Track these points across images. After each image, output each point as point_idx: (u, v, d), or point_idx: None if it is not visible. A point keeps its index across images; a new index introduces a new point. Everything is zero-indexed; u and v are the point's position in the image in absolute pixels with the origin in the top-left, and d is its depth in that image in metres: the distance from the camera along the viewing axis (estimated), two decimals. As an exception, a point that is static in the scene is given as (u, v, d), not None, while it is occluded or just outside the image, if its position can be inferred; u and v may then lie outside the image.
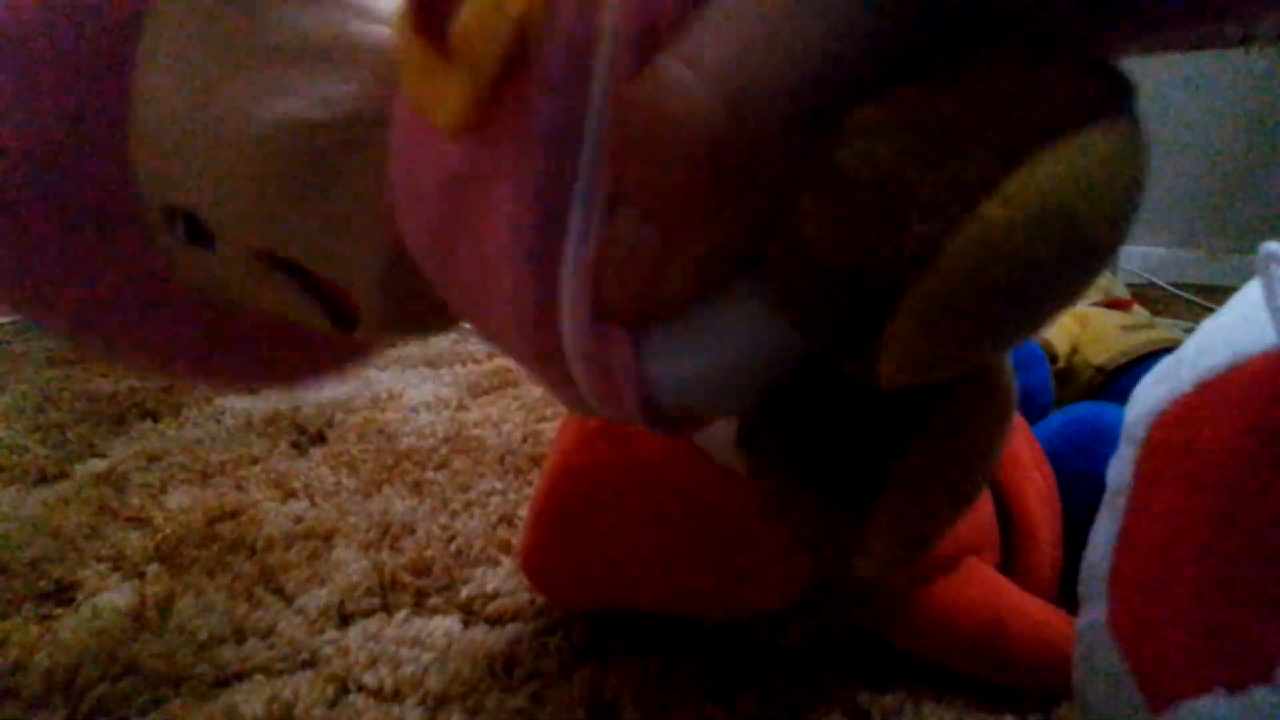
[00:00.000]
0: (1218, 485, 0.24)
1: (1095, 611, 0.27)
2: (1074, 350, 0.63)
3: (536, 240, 0.15)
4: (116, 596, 0.46)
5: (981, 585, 0.38)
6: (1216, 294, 1.28)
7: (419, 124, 0.17)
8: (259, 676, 0.40)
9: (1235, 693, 0.22)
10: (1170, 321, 0.69)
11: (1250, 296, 0.26)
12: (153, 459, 0.65)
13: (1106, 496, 0.28)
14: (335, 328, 0.24)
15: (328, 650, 0.41)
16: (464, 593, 0.46)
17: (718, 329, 0.16)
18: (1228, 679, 0.22)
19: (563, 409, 0.76)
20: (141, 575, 0.48)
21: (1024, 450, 0.43)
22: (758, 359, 0.16)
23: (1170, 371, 0.27)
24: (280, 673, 0.40)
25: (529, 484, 0.60)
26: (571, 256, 0.15)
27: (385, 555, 0.50)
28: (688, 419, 0.18)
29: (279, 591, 0.47)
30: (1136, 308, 0.73)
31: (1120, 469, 0.28)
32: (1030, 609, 0.38)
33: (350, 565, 0.49)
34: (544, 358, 0.17)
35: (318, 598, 0.46)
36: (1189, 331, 0.65)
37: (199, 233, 0.22)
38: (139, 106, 0.22)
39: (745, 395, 0.18)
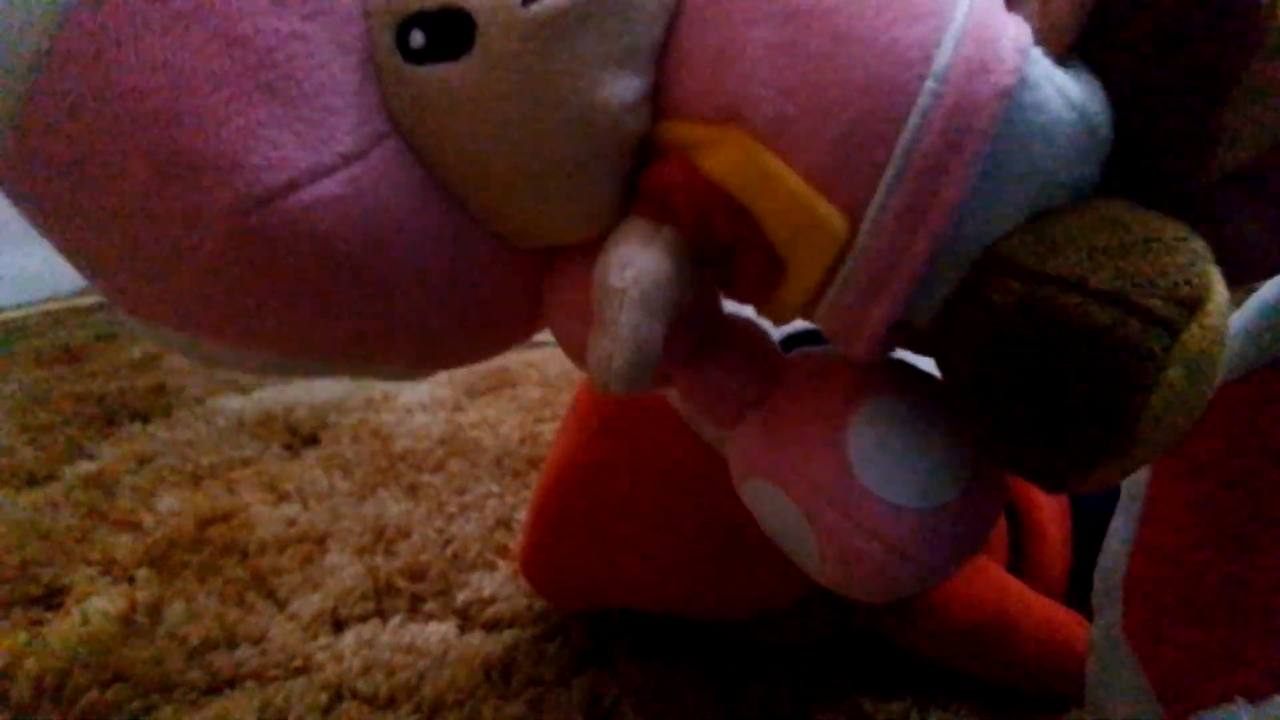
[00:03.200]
0: (1235, 491, 0.24)
1: (1110, 618, 0.26)
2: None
3: None
4: (106, 601, 0.45)
5: (988, 583, 0.37)
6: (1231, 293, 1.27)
7: None
8: (250, 683, 0.39)
9: (1256, 701, 0.22)
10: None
11: (1267, 299, 0.25)
12: (143, 461, 0.65)
13: (1121, 501, 0.28)
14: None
15: (321, 656, 0.40)
16: (460, 598, 0.45)
17: None
18: (1247, 687, 0.22)
19: (559, 410, 0.75)
20: (131, 580, 0.48)
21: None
22: None
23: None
24: (272, 679, 0.39)
25: (526, 487, 0.60)
26: None
27: (379, 559, 0.49)
28: None
29: (271, 596, 0.46)
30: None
31: (1136, 474, 0.27)
32: (1038, 608, 0.37)
33: (344, 570, 0.48)
34: None
35: (311, 603, 0.45)
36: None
37: (444, 43, 0.20)
38: None
39: None
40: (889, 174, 0.19)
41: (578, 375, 0.89)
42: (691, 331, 0.24)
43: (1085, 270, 0.18)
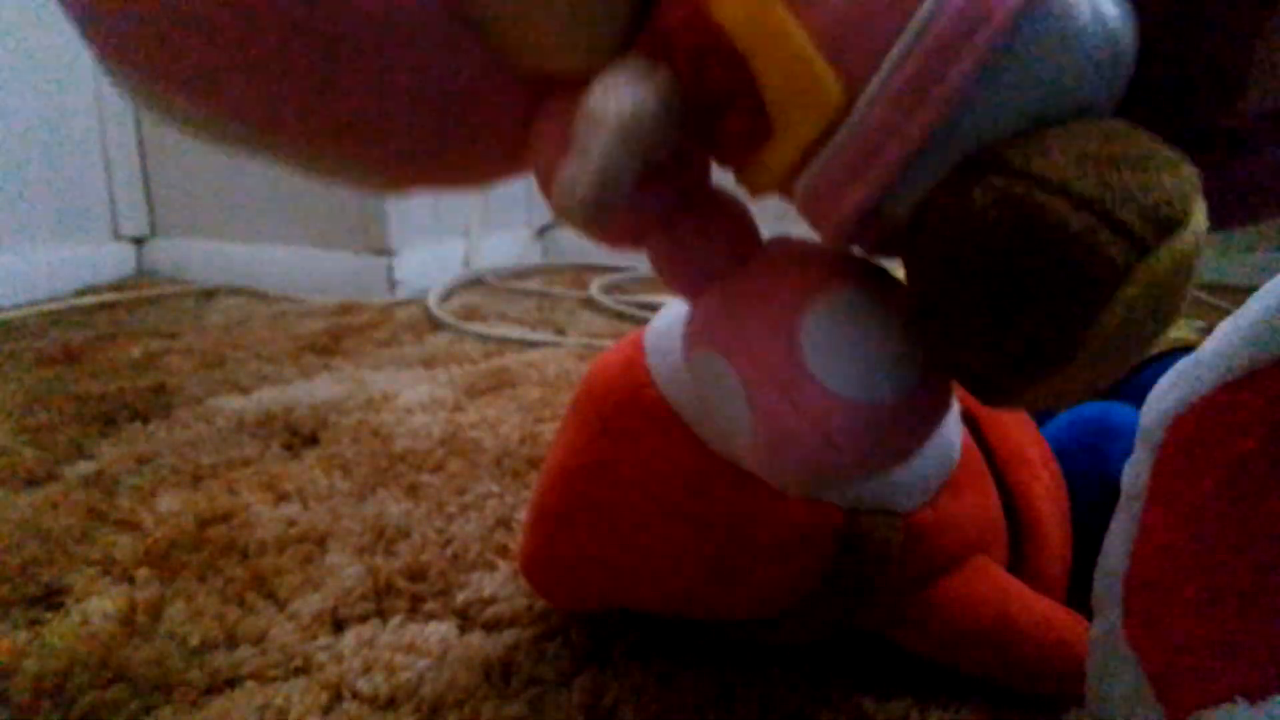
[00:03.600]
0: (1236, 491, 0.24)
1: (1111, 618, 0.26)
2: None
3: None
4: (106, 601, 0.45)
5: (989, 584, 0.37)
6: (1229, 293, 1.27)
7: None
8: (251, 683, 0.39)
9: (1256, 702, 0.21)
10: (1182, 320, 0.69)
11: (1271, 296, 0.25)
12: (143, 461, 0.65)
13: (1121, 501, 0.28)
14: None
15: (321, 657, 0.40)
16: (460, 598, 0.45)
17: None
18: (1248, 687, 0.22)
19: (559, 410, 0.75)
20: (131, 580, 0.48)
21: (1031, 449, 0.43)
22: None
23: (1188, 373, 0.26)
24: (273, 679, 0.39)
25: (526, 486, 0.60)
26: None
27: (379, 559, 0.49)
28: None
29: (271, 596, 0.46)
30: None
31: (1136, 473, 0.27)
32: (1039, 608, 0.37)
33: (344, 570, 0.48)
34: None
35: (311, 603, 0.45)
36: (1201, 330, 0.64)
37: None
38: None
39: None
40: (897, 49, 0.19)
41: (578, 375, 0.89)
42: (671, 187, 0.24)
43: (1070, 174, 0.18)
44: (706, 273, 0.26)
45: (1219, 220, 0.23)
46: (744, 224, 0.26)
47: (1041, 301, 0.18)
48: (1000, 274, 0.18)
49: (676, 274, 0.26)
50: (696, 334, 0.26)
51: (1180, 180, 0.18)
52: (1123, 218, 0.17)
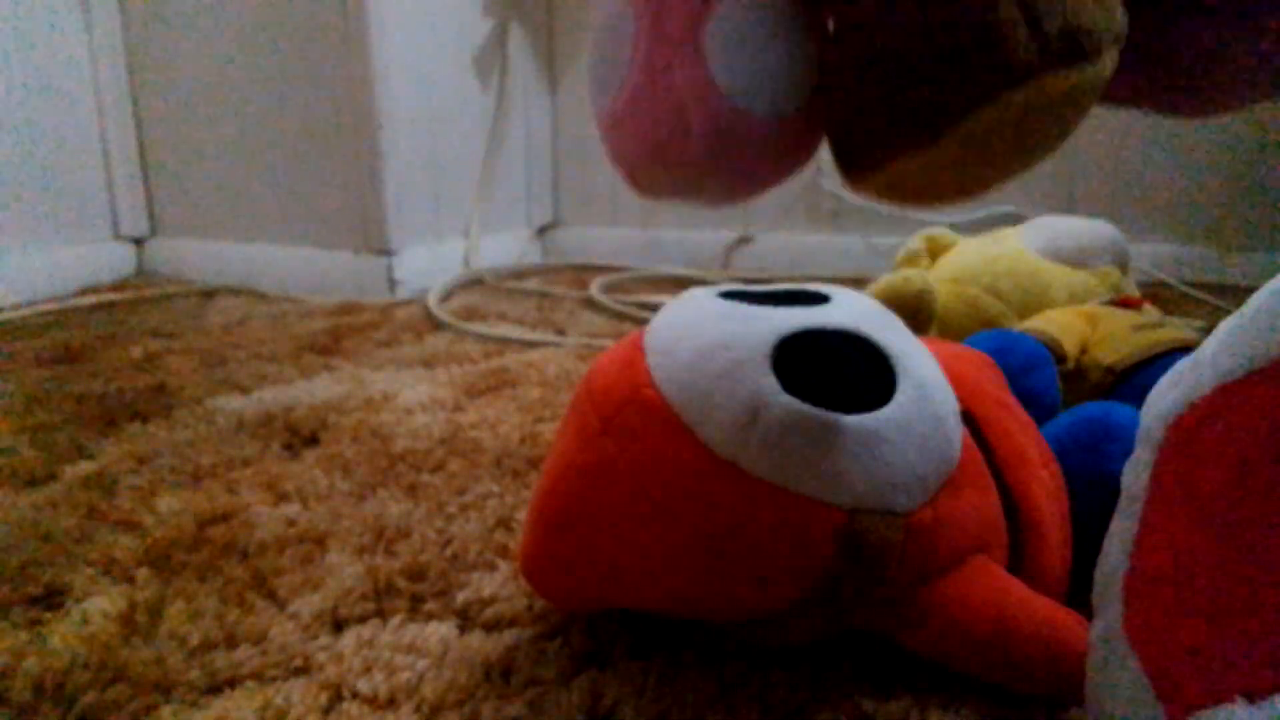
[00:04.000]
0: (1237, 490, 0.24)
1: (1110, 617, 0.26)
2: (1083, 351, 0.62)
3: None
4: (106, 601, 0.45)
5: (989, 583, 0.37)
6: (1228, 293, 1.27)
7: None
8: (251, 683, 0.39)
9: (1256, 701, 0.21)
10: (1182, 320, 0.69)
11: (1271, 296, 0.25)
12: (143, 461, 0.65)
13: (1121, 501, 0.28)
14: None
15: (321, 656, 0.40)
16: (460, 598, 0.45)
17: None
18: (1248, 687, 0.22)
19: (559, 410, 0.75)
20: (131, 580, 0.48)
21: (1031, 448, 0.43)
22: None
23: (1188, 373, 0.26)
24: (273, 679, 0.39)
25: (526, 486, 0.60)
26: None
27: (379, 559, 0.49)
28: None
29: (271, 596, 0.46)
30: (1148, 306, 0.73)
31: (1136, 473, 0.27)
32: (1039, 607, 0.37)
33: (344, 570, 0.48)
34: None
35: (311, 603, 0.45)
36: (1201, 330, 0.64)
37: None
38: None
39: None
40: None
41: (578, 375, 0.90)
42: None
43: None
44: None
45: (1170, 95, 0.24)
46: None
47: (944, 70, 0.18)
48: (922, 33, 0.19)
49: None
50: None
51: (1110, 23, 0.19)
52: (1046, 28, 0.18)
